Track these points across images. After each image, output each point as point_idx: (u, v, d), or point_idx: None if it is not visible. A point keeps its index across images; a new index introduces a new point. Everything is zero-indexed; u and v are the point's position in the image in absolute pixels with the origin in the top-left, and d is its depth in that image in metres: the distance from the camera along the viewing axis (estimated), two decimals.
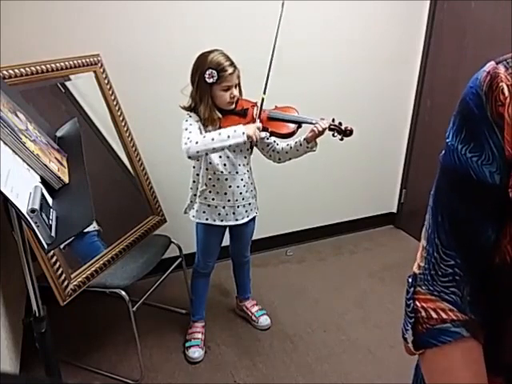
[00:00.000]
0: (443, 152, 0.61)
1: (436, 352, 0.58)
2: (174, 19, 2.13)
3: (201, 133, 1.72)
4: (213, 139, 1.62)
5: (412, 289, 0.62)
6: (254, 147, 1.86)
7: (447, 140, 0.60)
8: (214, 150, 1.66)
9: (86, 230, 1.79)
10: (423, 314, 0.59)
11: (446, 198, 0.60)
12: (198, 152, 1.63)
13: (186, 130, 1.68)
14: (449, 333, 0.57)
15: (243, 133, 1.64)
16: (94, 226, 1.84)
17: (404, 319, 0.62)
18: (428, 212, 0.63)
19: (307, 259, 2.77)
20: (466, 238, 0.59)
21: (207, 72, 1.65)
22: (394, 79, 2.73)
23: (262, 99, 1.74)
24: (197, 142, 1.62)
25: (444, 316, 0.58)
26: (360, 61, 2.60)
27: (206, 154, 1.72)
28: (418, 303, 0.60)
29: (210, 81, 1.66)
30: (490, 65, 0.56)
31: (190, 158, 1.66)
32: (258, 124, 1.71)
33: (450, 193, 0.60)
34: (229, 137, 1.63)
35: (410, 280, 0.63)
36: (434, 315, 0.59)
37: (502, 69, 0.55)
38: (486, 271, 0.60)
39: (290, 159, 1.88)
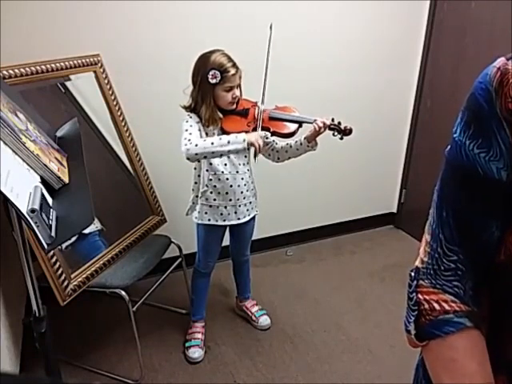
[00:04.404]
0: (449, 147, 0.61)
1: (440, 343, 0.59)
2: (174, 19, 2.13)
3: (201, 134, 1.72)
4: (212, 143, 1.61)
5: (415, 282, 0.62)
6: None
7: (454, 135, 0.60)
8: (213, 154, 1.64)
9: (88, 230, 1.79)
10: (426, 306, 0.60)
11: (451, 193, 0.60)
12: (196, 154, 1.62)
13: (186, 131, 1.68)
14: (452, 323, 0.58)
15: (244, 140, 1.62)
16: (96, 226, 1.84)
17: (406, 312, 0.63)
18: (432, 207, 0.63)
19: (307, 259, 2.77)
20: (469, 234, 0.59)
21: (210, 73, 1.65)
22: (393, 79, 2.73)
23: (260, 110, 1.73)
24: (196, 145, 1.61)
25: (447, 307, 0.58)
26: (360, 61, 2.60)
27: (205, 158, 1.69)
28: (420, 296, 0.61)
29: (213, 81, 1.66)
30: (501, 60, 0.56)
31: (188, 159, 1.64)
32: (262, 133, 1.69)
33: (455, 188, 0.60)
34: (229, 142, 1.61)
35: (413, 274, 0.63)
36: (437, 307, 0.59)
37: None
38: (490, 267, 0.60)
39: (290, 158, 1.89)
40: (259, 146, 1.64)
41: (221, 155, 1.68)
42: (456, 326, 0.57)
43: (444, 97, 2.62)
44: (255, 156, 1.72)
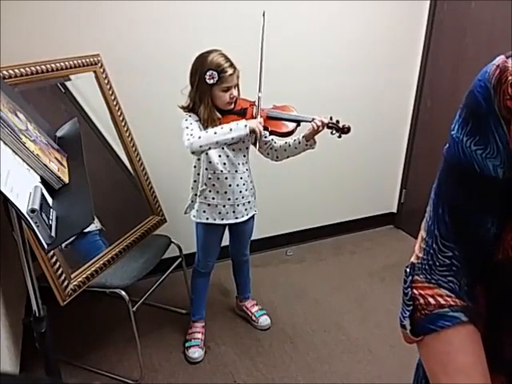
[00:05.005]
0: (447, 144, 0.61)
1: (435, 337, 0.58)
2: (174, 19, 2.13)
3: (201, 130, 1.72)
4: (215, 133, 1.63)
5: (410, 277, 0.62)
6: (252, 145, 1.86)
7: (452, 132, 0.60)
8: (218, 144, 1.65)
9: (88, 230, 1.79)
10: (421, 300, 0.60)
11: (447, 190, 0.61)
12: (201, 146, 1.63)
13: (187, 128, 1.69)
14: (447, 317, 0.58)
15: (245, 126, 1.64)
16: (96, 226, 1.84)
17: (402, 307, 0.63)
18: (429, 204, 0.63)
19: (307, 259, 2.77)
20: (465, 231, 0.59)
21: (208, 73, 1.65)
22: (393, 79, 2.73)
23: (259, 98, 1.74)
24: (199, 137, 1.62)
25: (442, 301, 0.58)
26: (360, 61, 2.60)
27: (209, 149, 1.70)
28: (415, 291, 0.61)
29: (211, 82, 1.66)
30: (500, 58, 0.56)
31: (193, 153, 1.66)
32: (260, 119, 1.72)
33: (452, 185, 0.60)
34: (231, 130, 1.63)
35: (408, 269, 0.63)
36: (432, 301, 0.59)
37: (511, 63, 0.54)
38: (485, 265, 0.60)
39: (288, 157, 1.89)
40: (260, 131, 1.68)
41: (225, 143, 1.68)
42: (451, 321, 0.57)
43: (444, 97, 2.62)
44: (255, 142, 1.74)
